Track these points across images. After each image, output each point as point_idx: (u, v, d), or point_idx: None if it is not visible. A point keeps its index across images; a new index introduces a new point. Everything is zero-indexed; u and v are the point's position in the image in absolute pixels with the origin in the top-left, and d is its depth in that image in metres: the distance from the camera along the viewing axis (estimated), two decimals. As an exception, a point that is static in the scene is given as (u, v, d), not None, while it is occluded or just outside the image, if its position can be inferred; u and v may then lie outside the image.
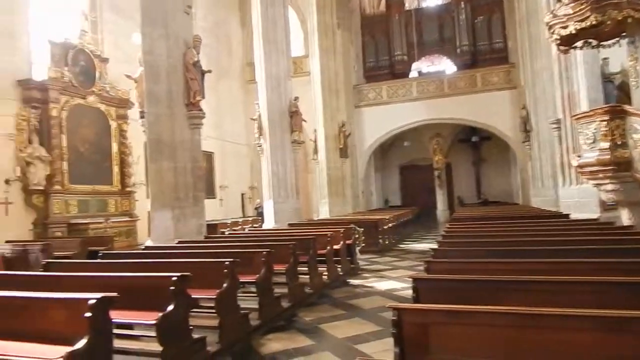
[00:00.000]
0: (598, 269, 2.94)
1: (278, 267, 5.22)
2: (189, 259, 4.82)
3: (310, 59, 17.86)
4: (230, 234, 11.06)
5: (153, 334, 3.25)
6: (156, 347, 3.22)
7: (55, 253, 7.90)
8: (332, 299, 6.06)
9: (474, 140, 20.79)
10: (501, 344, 2.03)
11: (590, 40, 5.73)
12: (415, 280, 2.93)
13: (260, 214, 15.65)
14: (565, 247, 3.85)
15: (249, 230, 11.62)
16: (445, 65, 20.21)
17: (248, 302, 4.65)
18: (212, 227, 11.89)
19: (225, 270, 4.07)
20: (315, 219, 15.38)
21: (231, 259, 4.17)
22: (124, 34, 13.15)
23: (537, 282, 2.63)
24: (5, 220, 9.91)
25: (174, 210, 7.39)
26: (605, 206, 8.03)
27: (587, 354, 1.88)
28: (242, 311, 4.31)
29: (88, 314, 2.57)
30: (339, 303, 5.83)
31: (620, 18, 4.91)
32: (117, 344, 2.97)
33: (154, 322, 3.16)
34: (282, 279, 5.41)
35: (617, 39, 5.73)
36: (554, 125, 10.70)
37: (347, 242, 8.05)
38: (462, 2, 19.03)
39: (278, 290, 5.14)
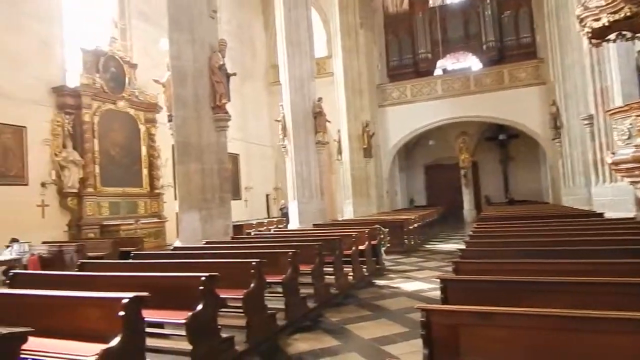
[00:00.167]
0: (635, 270, 2.83)
1: (304, 268, 5.24)
2: (217, 260, 4.90)
3: (333, 59, 17.87)
4: (255, 234, 11.17)
5: (183, 332, 3.32)
6: (186, 345, 3.29)
7: (89, 253, 8.18)
8: (358, 300, 6.04)
9: (502, 138, 20.32)
10: (536, 347, 1.98)
11: (624, 32, 5.51)
12: (444, 281, 2.89)
13: (285, 214, 15.75)
14: (599, 247, 3.72)
15: (274, 230, 11.71)
16: (471, 62, 19.84)
17: (274, 302, 4.69)
18: (237, 228, 12.04)
19: (252, 271, 4.12)
20: (340, 219, 15.37)
21: (258, 260, 4.21)
22: (152, 40, 13.49)
23: (572, 283, 2.55)
24: (42, 222, 10.32)
25: (201, 211, 7.53)
26: (642, 204, 7.72)
27: (627, 358, 1.81)
28: (269, 311, 4.35)
29: (122, 313, 2.64)
30: (365, 304, 5.81)
31: (656, 8, 4.71)
32: (149, 342, 3.04)
33: (183, 321, 3.23)
34: (308, 280, 5.43)
35: (654, 30, 5.49)
36: (586, 122, 10.36)
37: (372, 242, 8.01)
38: (487, -3, 18.64)
39: (304, 291, 5.17)
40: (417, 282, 7.03)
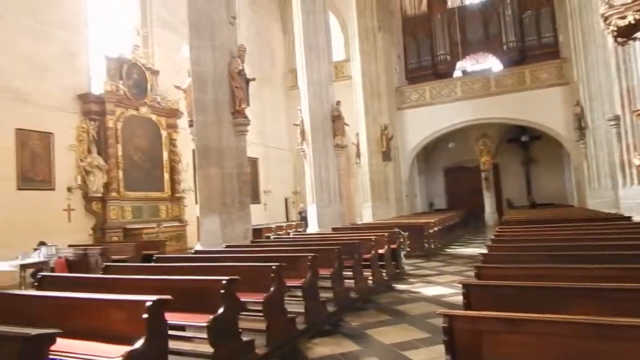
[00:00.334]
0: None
1: (323, 272, 5.24)
2: (237, 263, 4.94)
3: (351, 62, 17.87)
4: (275, 238, 11.22)
5: (204, 335, 3.35)
6: (207, 348, 3.32)
7: (113, 256, 8.37)
8: (378, 304, 6.00)
9: (524, 140, 19.92)
10: (562, 355, 1.93)
11: (651, 30, 5.34)
12: (466, 286, 2.85)
13: (303, 218, 15.78)
14: (627, 252, 3.61)
15: (293, 234, 11.74)
16: (491, 63, 19.54)
17: (294, 306, 4.69)
18: (257, 232, 12.12)
19: (272, 275, 4.14)
20: (359, 223, 15.31)
21: (277, 264, 4.23)
22: (173, 47, 13.76)
23: (598, 289, 2.48)
24: (68, 226, 10.61)
25: (222, 215, 7.61)
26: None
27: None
28: (289, 315, 4.36)
29: (145, 315, 2.69)
30: (385, 308, 5.76)
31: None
32: (171, 344, 3.08)
33: (205, 324, 3.27)
34: (327, 284, 5.42)
35: (683, 27, 5.31)
36: (612, 122, 10.08)
37: (392, 246, 7.95)
38: (508, -3, 18.38)
39: (323, 295, 5.16)
40: (438, 287, 6.94)
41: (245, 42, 10.11)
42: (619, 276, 2.81)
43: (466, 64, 19.85)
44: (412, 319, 5.15)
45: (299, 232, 13.89)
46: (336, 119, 11.98)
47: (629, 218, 7.74)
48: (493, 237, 5.69)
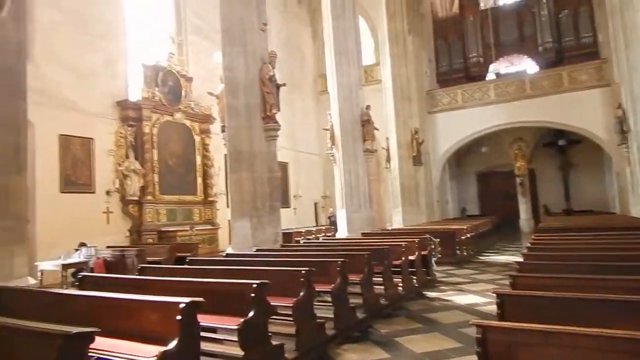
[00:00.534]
0: None
1: (353, 277, 5.21)
2: (268, 267, 4.98)
3: (381, 67, 17.79)
4: (304, 242, 11.27)
5: (235, 338, 3.40)
6: (238, 351, 3.36)
7: (148, 258, 8.63)
8: (408, 312, 5.91)
9: (561, 144, 19.22)
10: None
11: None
12: (501, 296, 2.77)
13: (333, 223, 15.77)
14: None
15: (323, 239, 11.75)
16: (526, 65, 19.00)
17: (324, 311, 4.69)
18: (287, 236, 12.21)
19: (302, 279, 4.15)
20: (389, 228, 15.17)
21: (307, 268, 4.24)
22: (206, 54, 14.11)
23: (643, 302, 2.36)
24: (106, 228, 11.02)
25: (252, 219, 7.70)
26: None
27: None
28: (318, 320, 4.36)
29: (179, 317, 2.76)
30: (415, 316, 5.68)
31: None
32: (203, 346, 3.13)
33: (236, 327, 3.31)
34: (357, 289, 5.39)
35: None
36: (658, 125, 9.58)
37: (423, 252, 7.82)
38: (544, -3, 17.83)
39: (353, 301, 5.13)
40: (471, 295, 6.78)
41: (276, 48, 10.26)
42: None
43: (500, 67, 19.39)
44: (443, 327, 5.05)
45: (329, 236, 13.89)
46: (366, 123, 11.94)
47: (676, 226, 7.32)
48: (529, 244, 5.51)
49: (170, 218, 12.53)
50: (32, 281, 4.44)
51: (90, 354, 2.51)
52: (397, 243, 7.13)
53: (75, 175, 10.58)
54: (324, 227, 16.80)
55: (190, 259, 6.24)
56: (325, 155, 16.16)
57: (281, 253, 6.78)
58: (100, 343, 2.70)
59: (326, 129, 12.33)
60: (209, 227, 13.53)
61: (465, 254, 10.91)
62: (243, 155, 7.89)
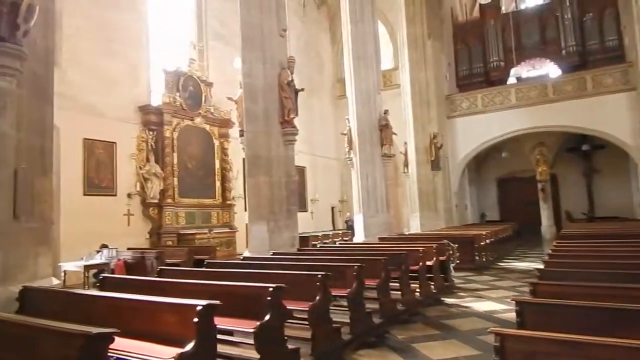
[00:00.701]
0: None
1: (369, 282, 5.18)
2: (284, 271, 5.00)
3: (400, 71, 17.71)
4: (321, 246, 11.26)
5: (251, 341, 3.42)
6: (254, 354, 3.37)
7: (167, 260, 8.75)
8: (426, 318, 5.85)
9: (585, 149, 18.75)
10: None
11: None
12: (520, 303, 2.72)
13: (350, 227, 15.73)
14: None
15: (340, 243, 11.73)
16: (549, 69, 18.62)
17: (340, 315, 4.67)
18: (303, 240, 12.23)
19: (318, 283, 4.15)
20: (406, 233, 15.04)
21: (323, 272, 4.24)
22: (226, 59, 14.30)
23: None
24: (127, 230, 11.24)
25: (269, 222, 7.75)
26: None
27: None
28: (334, 325, 4.35)
29: (196, 319, 2.79)
30: (433, 322, 5.61)
31: None
32: (219, 348, 3.16)
33: (252, 330, 3.33)
34: (374, 294, 5.35)
35: None
36: (687, 130, 9.26)
37: (441, 258, 7.73)
38: (567, 0, 17.49)
39: (369, 306, 5.10)
40: (490, 302, 6.66)
41: (295, 53, 10.34)
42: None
43: (521, 71, 19.04)
44: (461, 334, 4.98)
45: (345, 241, 13.86)
46: (384, 128, 11.90)
47: None
48: (550, 251, 5.39)
49: (189, 221, 12.70)
50: (55, 281, 4.55)
51: (109, 354, 2.57)
52: (415, 248, 7.07)
53: (98, 178, 10.83)
54: (340, 232, 16.77)
55: (208, 262, 6.30)
56: (343, 159, 16.17)
57: (298, 257, 6.79)
58: (120, 343, 2.76)
59: (344, 134, 12.33)
60: (227, 230, 13.65)
61: (484, 260, 10.73)
62: (261, 160, 7.96)
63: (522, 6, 19.87)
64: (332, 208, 20.34)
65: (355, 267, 4.86)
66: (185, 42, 14.38)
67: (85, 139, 10.62)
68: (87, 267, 8.31)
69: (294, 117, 8.20)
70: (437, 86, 17.54)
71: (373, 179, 11.55)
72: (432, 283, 7.10)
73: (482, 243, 10.78)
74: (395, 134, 12.53)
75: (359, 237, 11.44)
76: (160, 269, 5.52)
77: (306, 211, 17.96)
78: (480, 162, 20.91)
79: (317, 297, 4.10)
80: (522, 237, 17.08)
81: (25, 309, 3.70)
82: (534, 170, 18.96)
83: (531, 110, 17.15)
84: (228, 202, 14.11)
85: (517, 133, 17.61)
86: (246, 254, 7.78)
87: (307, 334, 3.96)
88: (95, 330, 2.37)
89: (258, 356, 3.34)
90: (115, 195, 11.15)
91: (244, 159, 8.88)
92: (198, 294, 3.54)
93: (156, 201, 11.80)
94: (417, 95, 16.94)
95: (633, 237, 7.09)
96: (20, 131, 4.09)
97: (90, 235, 9.67)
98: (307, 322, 4.01)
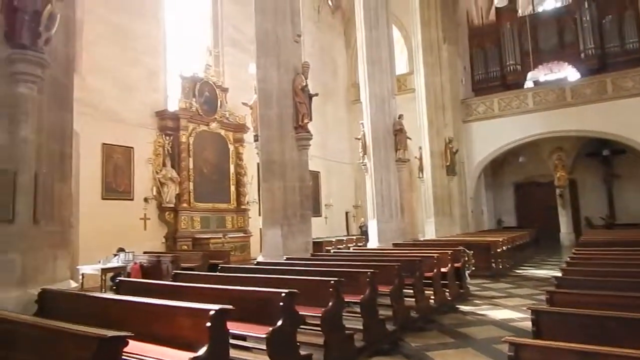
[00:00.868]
0: None
1: (383, 289, 5.14)
2: (297, 276, 5.00)
3: (415, 75, 17.64)
4: (335, 252, 11.24)
5: (263, 346, 3.42)
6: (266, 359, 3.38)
7: (182, 264, 8.83)
8: (440, 325, 5.77)
9: (605, 154, 18.36)
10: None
11: None
12: (536, 312, 2.67)
13: (364, 232, 15.66)
14: None
15: (353, 249, 11.68)
16: (567, 73, 18.29)
17: (353, 322, 4.64)
18: (317, 245, 12.23)
19: (331, 289, 4.13)
20: (421, 239, 14.90)
21: (336, 278, 4.23)
22: (241, 65, 14.45)
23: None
24: (144, 234, 11.39)
25: (283, 227, 7.77)
26: None
27: None
28: (347, 331, 4.32)
29: (208, 324, 2.80)
30: (447, 330, 5.53)
31: None
32: (232, 353, 3.17)
33: (264, 335, 3.33)
34: (387, 301, 5.31)
35: None
36: None
37: (456, 265, 7.63)
38: (586, 2, 17.21)
39: (383, 312, 5.06)
40: (506, 310, 6.54)
41: (309, 58, 10.38)
42: None
43: (538, 74, 18.75)
44: (477, 343, 4.90)
45: (359, 246, 13.80)
46: (398, 132, 11.86)
47: None
48: (569, 259, 5.28)
49: (204, 225, 12.81)
50: (73, 284, 4.63)
51: (123, 357, 2.59)
52: (429, 254, 6.99)
53: (116, 183, 11.02)
54: (354, 237, 16.70)
55: (222, 266, 6.35)
56: (357, 164, 16.12)
57: (311, 262, 6.79)
58: (133, 346, 2.78)
59: (358, 138, 12.32)
60: (241, 234, 13.73)
61: (501, 267, 10.56)
62: (275, 165, 7.99)
63: (539, 9, 19.62)
64: (346, 213, 20.29)
65: (368, 273, 4.83)
66: (201, 48, 14.58)
67: (104, 144, 10.82)
68: (105, 271, 8.44)
69: (308, 122, 8.23)
70: (452, 90, 17.41)
71: (387, 184, 11.49)
72: (447, 290, 7.01)
73: (498, 250, 10.61)
74: (409, 138, 12.47)
75: (373, 242, 11.38)
76: (175, 273, 5.57)
77: (320, 216, 17.95)
78: (497, 166, 20.63)
79: (330, 303, 4.08)
80: (540, 243, 16.76)
81: (43, 311, 3.78)
82: (552, 175, 18.63)
83: (549, 114, 16.88)
84: (242, 207, 14.19)
85: (534, 138, 17.35)
86: (260, 258, 7.80)
87: (320, 341, 3.94)
88: (110, 333, 2.40)
89: (270, 362, 3.34)
90: (132, 199, 11.33)
91: (258, 164, 8.94)
92: (212, 298, 3.56)
93: (172, 205, 11.94)
94: (432, 100, 16.84)
95: (656, 244, 6.89)
96: (40, 136, 4.18)
97: (107, 238, 9.83)
98: (319, 329, 3.99)
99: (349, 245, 14.50)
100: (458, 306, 6.91)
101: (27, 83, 4.00)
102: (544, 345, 2.17)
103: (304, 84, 8.27)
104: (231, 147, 14.09)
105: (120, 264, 8.78)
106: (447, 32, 17.47)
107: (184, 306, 3.18)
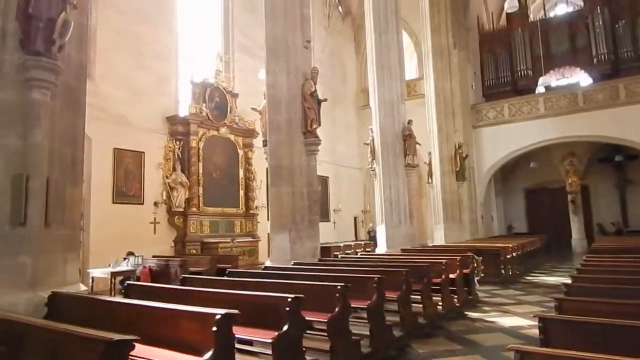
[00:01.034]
0: None
1: (390, 294, 5.12)
2: (304, 281, 5.00)
3: (424, 81, 17.61)
4: (342, 257, 11.21)
5: (269, 351, 3.42)
6: (272, 364, 3.38)
7: (190, 268, 8.88)
8: (448, 332, 5.72)
9: (618, 160, 18.10)
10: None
11: None
12: (543, 320, 2.64)
13: (373, 238, 15.61)
14: None
15: (361, 254, 11.64)
16: (579, 78, 18.14)
17: (359, 327, 4.63)
18: (325, 250, 12.21)
19: (338, 295, 4.13)
20: (430, 244, 14.80)
21: (343, 284, 4.22)
22: (251, 70, 14.56)
23: None
24: (153, 238, 11.49)
25: (291, 232, 7.78)
26: None
27: None
28: (353, 337, 4.30)
29: (214, 328, 2.82)
30: (455, 337, 5.48)
31: None
32: (238, 358, 3.17)
33: (270, 340, 3.34)
34: (395, 307, 5.28)
35: None
36: None
37: (465, 271, 7.57)
38: (598, 7, 17.07)
39: (390, 318, 5.03)
40: (516, 318, 6.47)
41: (319, 64, 10.46)
42: None
43: (550, 79, 18.60)
44: (485, 350, 4.85)
45: (368, 252, 13.75)
46: (407, 137, 11.82)
47: None
48: (579, 266, 5.21)
49: (212, 230, 12.87)
50: (83, 287, 4.68)
51: (130, 360, 2.62)
52: (438, 260, 6.95)
53: (127, 187, 11.14)
54: (363, 242, 16.65)
55: (230, 271, 6.36)
56: (366, 169, 16.10)
57: (318, 267, 6.78)
58: (140, 350, 2.81)
59: (367, 144, 12.31)
60: (250, 239, 13.77)
61: (510, 273, 10.44)
62: (283, 170, 8.02)
63: (551, 14, 19.49)
64: (355, 218, 20.24)
65: (376, 278, 4.82)
66: (212, 54, 14.73)
67: (116, 148, 10.96)
68: (114, 274, 8.52)
69: (316, 127, 8.25)
70: (462, 96, 17.34)
71: (396, 189, 11.45)
72: (455, 296, 6.95)
73: (508, 256, 10.50)
74: (419, 144, 12.42)
75: (382, 248, 11.33)
76: (183, 277, 5.61)
77: (329, 221, 17.93)
78: (508, 172, 20.45)
79: (337, 309, 4.08)
80: (552, 250, 16.54)
81: (53, 314, 3.83)
82: (564, 181, 18.42)
83: (561, 119, 16.72)
84: (251, 212, 14.25)
85: (545, 143, 17.19)
86: (268, 263, 7.82)
87: (326, 346, 3.93)
88: (116, 336, 2.43)
89: (276, 367, 3.34)
90: (142, 203, 11.44)
91: (267, 169, 8.98)
92: (219, 302, 3.57)
93: (181, 210, 12.03)
94: (442, 105, 16.79)
95: (669, 252, 6.77)
96: (53, 142, 4.25)
97: (117, 242, 9.93)
98: (326, 334, 3.99)
99: (357, 250, 14.46)
100: (466, 313, 6.84)
101: (40, 89, 4.08)
102: (550, 353, 2.15)
103: (313, 89, 8.30)
104: (240, 152, 14.17)
105: (129, 267, 8.86)
106: (457, 37, 17.43)
107: (190, 310, 3.20)
